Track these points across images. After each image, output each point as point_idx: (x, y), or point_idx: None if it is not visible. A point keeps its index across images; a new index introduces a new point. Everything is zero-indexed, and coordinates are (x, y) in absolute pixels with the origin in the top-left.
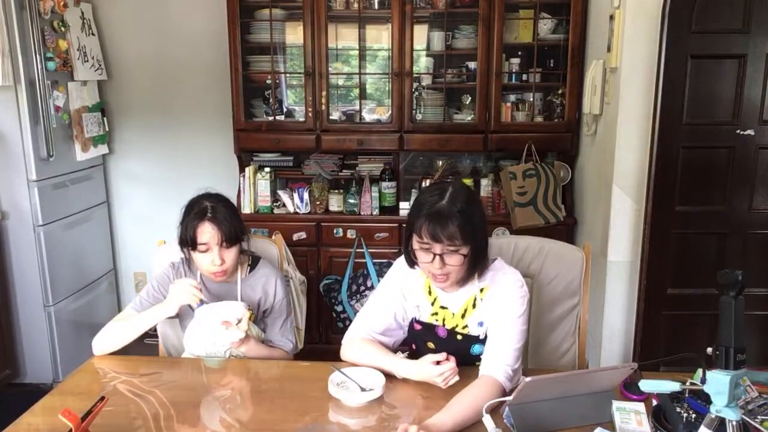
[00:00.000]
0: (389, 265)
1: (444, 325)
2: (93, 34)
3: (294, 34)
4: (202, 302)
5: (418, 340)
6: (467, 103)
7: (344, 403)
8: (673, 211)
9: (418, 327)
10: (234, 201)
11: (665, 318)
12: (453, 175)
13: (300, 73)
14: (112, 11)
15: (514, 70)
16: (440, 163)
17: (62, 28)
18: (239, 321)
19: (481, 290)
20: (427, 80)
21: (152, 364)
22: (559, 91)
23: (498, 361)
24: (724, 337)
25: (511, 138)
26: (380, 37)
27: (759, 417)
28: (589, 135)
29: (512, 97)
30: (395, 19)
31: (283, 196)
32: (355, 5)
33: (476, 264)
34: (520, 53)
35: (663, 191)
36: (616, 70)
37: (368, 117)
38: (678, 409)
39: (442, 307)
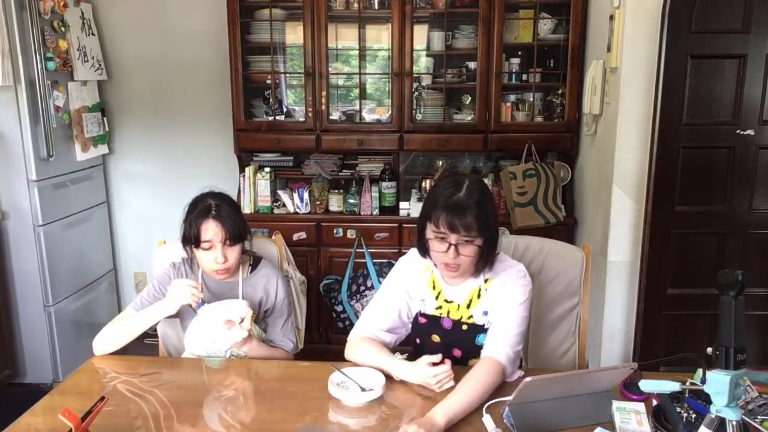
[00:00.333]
0: (389, 265)
1: (449, 316)
2: (93, 34)
3: (294, 34)
4: (202, 302)
5: (422, 333)
6: (467, 103)
7: (344, 403)
8: (673, 211)
9: (422, 320)
10: (234, 199)
11: (665, 318)
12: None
13: (300, 73)
14: (112, 11)
15: (514, 70)
16: (440, 163)
17: (62, 28)
18: (242, 320)
19: (486, 281)
20: (427, 80)
21: (152, 364)
22: (559, 91)
23: (499, 343)
24: (724, 337)
25: (511, 138)
26: (380, 37)
27: (759, 417)
28: (589, 135)
29: (512, 97)
30: (395, 19)
31: (283, 196)
32: (355, 5)
33: (488, 256)
34: (520, 53)
35: (663, 191)
36: (616, 70)
37: (368, 117)
38: (678, 409)
39: (447, 301)
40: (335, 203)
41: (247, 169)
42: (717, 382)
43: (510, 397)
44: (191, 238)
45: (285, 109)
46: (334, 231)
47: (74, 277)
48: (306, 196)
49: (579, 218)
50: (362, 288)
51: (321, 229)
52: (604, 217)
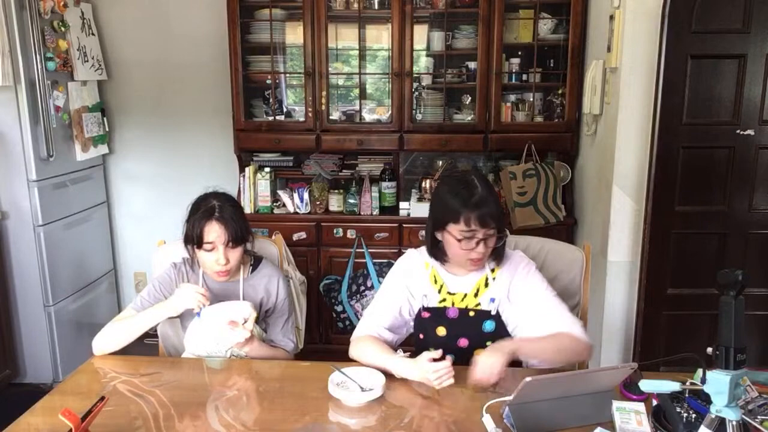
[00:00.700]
0: (389, 265)
1: (454, 305)
2: (93, 34)
3: (294, 34)
4: (204, 306)
5: (427, 328)
6: (467, 103)
7: (344, 403)
8: (673, 211)
9: (426, 314)
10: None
11: (665, 318)
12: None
13: (300, 73)
14: (112, 11)
15: (514, 70)
16: (440, 163)
17: (62, 28)
18: (245, 321)
19: (493, 270)
20: (427, 80)
21: (152, 364)
22: (559, 91)
23: (564, 322)
24: (724, 337)
25: (511, 138)
26: (380, 37)
27: (759, 417)
28: (589, 135)
29: (512, 97)
30: (395, 19)
31: (283, 196)
32: (355, 5)
33: (504, 242)
34: (520, 53)
35: (663, 191)
36: (616, 70)
37: (368, 117)
38: (678, 409)
39: (450, 293)
40: (335, 203)
41: (247, 169)
42: (717, 382)
43: (510, 397)
44: (194, 239)
45: (285, 109)
46: (334, 231)
47: (74, 277)
48: (306, 196)
49: (579, 218)
50: (362, 288)
51: (321, 229)
52: (604, 217)
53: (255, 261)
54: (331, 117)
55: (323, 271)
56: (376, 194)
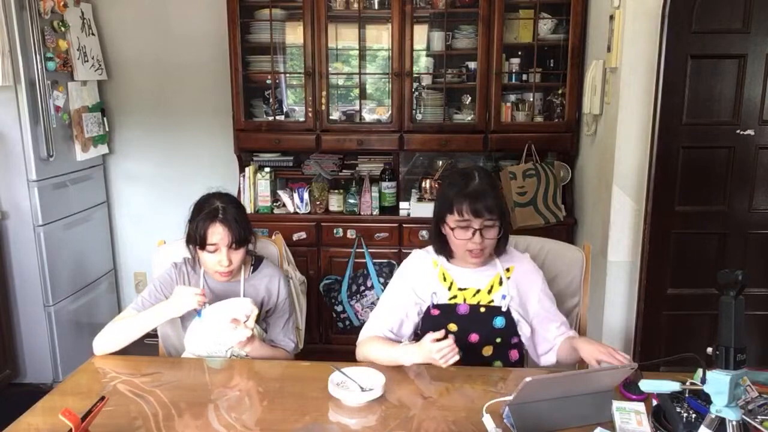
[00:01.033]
0: (389, 265)
1: (465, 302)
2: (93, 34)
3: (294, 34)
4: (205, 304)
5: (437, 326)
6: (467, 103)
7: (344, 403)
8: (673, 211)
9: (435, 312)
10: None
11: (665, 318)
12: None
13: (300, 73)
14: (112, 11)
15: (514, 70)
16: (440, 163)
17: (62, 28)
18: (247, 318)
19: (507, 269)
20: (427, 80)
21: (153, 364)
22: (559, 91)
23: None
24: (724, 337)
25: (511, 138)
26: (380, 37)
27: (759, 417)
28: (589, 135)
29: (512, 97)
30: (395, 19)
31: (283, 196)
32: (355, 5)
33: (506, 238)
34: (520, 53)
35: (663, 191)
36: (616, 70)
37: (368, 117)
38: (678, 409)
39: (461, 289)
40: (335, 203)
41: (247, 169)
42: (717, 382)
43: (510, 397)
44: (197, 240)
45: (285, 109)
46: (334, 231)
47: (74, 277)
48: (306, 196)
49: (579, 218)
50: (362, 288)
51: (321, 229)
52: (604, 217)
53: (256, 261)
54: (331, 117)
55: (323, 271)
56: (376, 194)
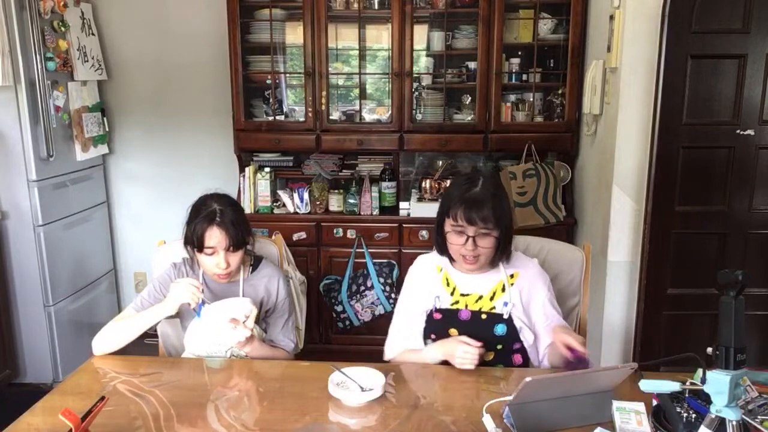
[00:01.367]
0: (389, 265)
1: (467, 308)
2: (93, 34)
3: (294, 34)
4: (203, 302)
5: (439, 329)
6: (467, 103)
7: (344, 403)
8: (673, 211)
9: (438, 316)
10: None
11: (665, 318)
12: (453, 174)
13: (300, 73)
14: (112, 11)
15: (514, 70)
16: (440, 163)
17: (62, 28)
18: (246, 318)
19: (511, 276)
20: (427, 80)
21: (152, 364)
22: (559, 91)
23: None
24: (724, 337)
25: (511, 138)
26: (380, 37)
27: (759, 417)
28: (589, 135)
29: (512, 97)
30: (395, 19)
31: (283, 196)
32: (355, 5)
33: (505, 248)
34: (520, 53)
35: (663, 191)
36: (616, 70)
37: (368, 117)
38: (678, 409)
39: (463, 294)
40: (335, 203)
41: (247, 169)
42: (717, 382)
43: (510, 397)
44: (194, 243)
45: (285, 109)
46: (334, 231)
47: (74, 277)
48: (306, 196)
49: (579, 218)
50: (362, 288)
51: (321, 229)
52: (604, 217)
53: (255, 261)
54: (331, 117)
55: (323, 271)
56: (376, 194)
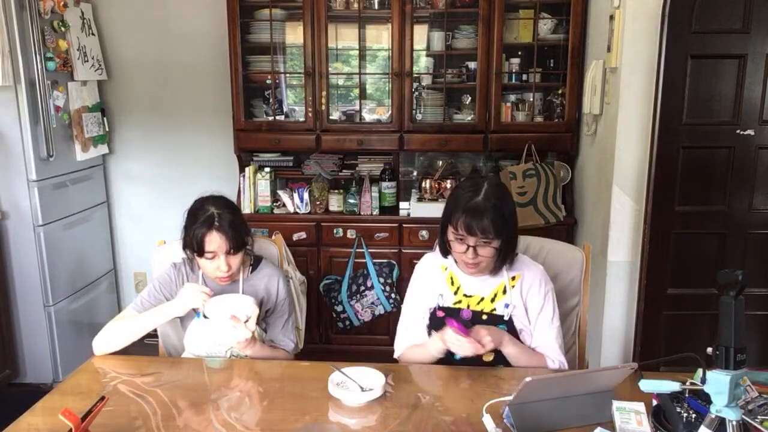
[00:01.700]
0: (389, 265)
1: (469, 307)
2: (93, 34)
3: (294, 34)
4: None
5: (441, 327)
6: (467, 103)
7: (344, 403)
8: (673, 211)
9: (440, 314)
10: (234, 201)
11: (665, 318)
12: (453, 175)
13: (300, 73)
14: (112, 11)
15: (514, 70)
16: (440, 163)
17: (62, 28)
18: (248, 319)
19: (513, 278)
20: (427, 80)
21: (153, 364)
22: (559, 91)
23: (550, 350)
24: (724, 337)
25: (511, 138)
26: (380, 37)
27: (759, 417)
28: (589, 135)
29: (512, 97)
30: (395, 19)
31: (283, 196)
32: (355, 5)
33: (506, 257)
34: (520, 53)
35: (663, 191)
36: (616, 70)
37: (368, 117)
38: (678, 409)
39: (466, 295)
40: (335, 203)
41: (247, 169)
42: (717, 382)
43: (510, 397)
44: (194, 247)
45: (285, 109)
46: (334, 231)
47: (74, 277)
48: (306, 196)
49: (579, 218)
50: (362, 288)
51: (321, 229)
52: (604, 217)
53: (255, 261)
54: (331, 117)
55: (323, 271)
56: (376, 194)
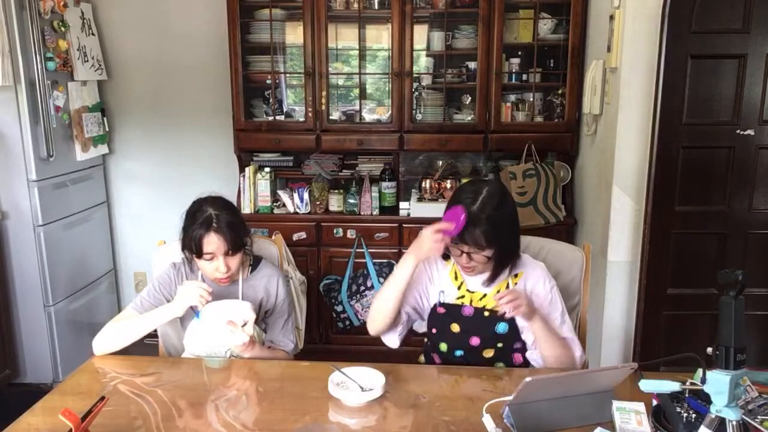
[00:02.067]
0: (389, 265)
1: (471, 304)
2: (93, 34)
3: (294, 34)
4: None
5: (441, 323)
6: (467, 103)
7: (344, 403)
8: (673, 211)
9: (441, 310)
10: (234, 201)
11: (665, 318)
12: (453, 175)
13: (300, 73)
14: (112, 11)
15: (514, 70)
16: (440, 163)
17: (62, 28)
18: (245, 324)
19: (516, 276)
20: (427, 80)
21: (152, 364)
22: (559, 91)
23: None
24: (724, 337)
25: (511, 138)
26: (380, 37)
27: (759, 417)
28: (589, 135)
29: (512, 97)
30: (395, 19)
31: (283, 196)
32: (355, 5)
33: (503, 263)
34: (520, 53)
35: (663, 191)
36: (616, 70)
37: (368, 117)
38: (678, 409)
39: (469, 291)
40: (335, 203)
41: (247, 169)
42: (717, 382)
43: (510, 397)
44: (192, 249)
45: (285, 109)
46: (334, 231)
47: (74, 277)
48: (306, 196)
49: (579, 218)
50: (362, 288)
51: (321, 229)
52: (604, 217)
53: (254, 261)
54: (331, 117)
55: (323, 271)
56: (376, 194)
